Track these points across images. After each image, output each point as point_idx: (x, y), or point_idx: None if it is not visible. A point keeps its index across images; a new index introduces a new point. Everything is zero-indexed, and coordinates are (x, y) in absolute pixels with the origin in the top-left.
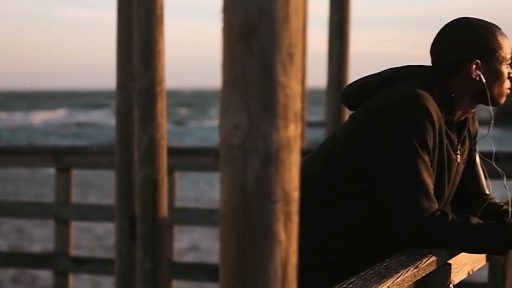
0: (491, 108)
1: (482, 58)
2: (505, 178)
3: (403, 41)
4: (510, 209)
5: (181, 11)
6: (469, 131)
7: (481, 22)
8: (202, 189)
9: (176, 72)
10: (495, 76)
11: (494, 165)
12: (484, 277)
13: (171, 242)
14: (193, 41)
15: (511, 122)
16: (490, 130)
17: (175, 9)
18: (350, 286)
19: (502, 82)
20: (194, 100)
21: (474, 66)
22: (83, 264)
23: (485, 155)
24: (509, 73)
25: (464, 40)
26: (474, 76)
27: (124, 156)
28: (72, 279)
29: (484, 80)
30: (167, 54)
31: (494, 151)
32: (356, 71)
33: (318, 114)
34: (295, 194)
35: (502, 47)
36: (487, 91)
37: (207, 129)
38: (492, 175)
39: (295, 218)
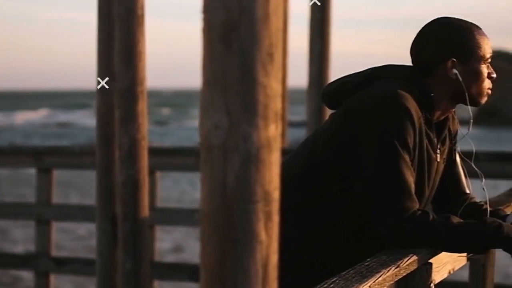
0: (469, 108)
1: (458, 57)
2: (483, 179)
3: (384, 41)
4: (489, 208)
5: (163, 10)
6: (449, 130)
7: (461, 21)
8: (184, 189)
9: (158, 72)
10: (473, 75)
11: (473, 166)
12: (465, 276)
13: (153, 242)
14: (176, 41)
15: (492, 122)
16: (470, 130)
17: (157, 8)
18: (332, 285)
19: (481, 82)
20: (176, 100)
21: (450, 64)
22: (64, 265)
23: (465, 155)
24: (489, 73)
25: (441, 39)
26: (450, 75)
27: (105, 156)
28: (53, 280)
29: (461, 79)
30: (148, 54)
31: (474, 151)
32: (337, 70)
33: (301, 114)
34: (276, 194)
35: (480, 47)
36: (465, 90)
37: (188, 129)
38: (473, 174)
39: (275, 217)
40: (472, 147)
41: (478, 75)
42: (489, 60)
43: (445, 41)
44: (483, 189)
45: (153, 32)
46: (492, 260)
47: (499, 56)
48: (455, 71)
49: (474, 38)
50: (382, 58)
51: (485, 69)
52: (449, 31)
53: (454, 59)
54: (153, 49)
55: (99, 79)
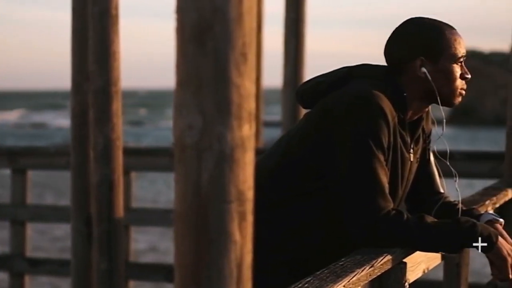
0: (441, 107)
1: (427, 56)
2: (457, 179)
3: (360, 40)
4: (461, 208)
5: (139, 10)
6: (423, 130)
7: (433, 21)
8: (160, 189)
9: (134, 72)
10: (443, 74)
11: (449, 165)
12: (439, 275)
13: (128, 242)
14: (153, 40)
15: (467, 121)
16: (444, 130)
17: (134, 8)
18: (306, 285)
19: (452, 81)
20: (152, 101)
21: (419, 63)
22: (39, 266)
23: (440, 155)
24: (462, 73)
25: (410, 38)
26: (420, 74)
27: (79, 156)
28: (28, 281)
29: (430, 78)
30: (124, 54)
31: (448, 150)
32: (312, 70)
33: (277, 113)
34: (250, 194)
35: (451, 46)
36: (435, 90)
37: (164, 130)
38: (447, 174)
39: (249, 217)
40: (447, 147)
41: (449, 75)
42: (462, 60)
43: (414, 40)
44: (456, 189)
45: (129, 32)
46: (466, 259)
47: (473, 56)
48: (424, 70)
49: (445, 37)
50: (358, 58)
51: (457, 68)
52: (419, 30)
53: (423, 58)
54: (129, 49)
55: None
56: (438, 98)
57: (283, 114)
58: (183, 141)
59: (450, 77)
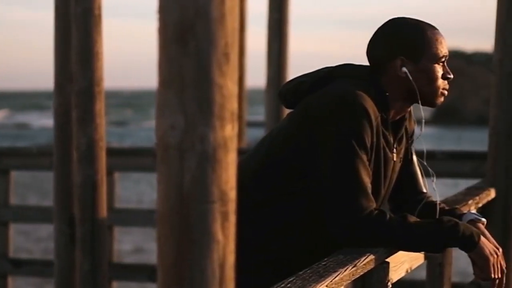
0: (421, 107)
1: (408, 55)
2: (434, 179)
3: (343, 41)
4: (443, 207)
5: (124, 10)
6: (406, 130)
7: (415, 21)
8: (144, 190)
9: (118, 72)
10: (424, 74)
11: (426, 164)
12: (422, 275)
13: (111, 243)
14: (137, 40)
15: (451, 121)
16: (423, 130)
17: (119, 8)
18: (289, 285)
19: (433, 81)
20: (136, 101)
21: (400, 63)
22: (22, 266)
23: (422, 154)
24: (444, 73)
25: (391, 38)
26: (400, 74)
27: (62, 157)
28: (11, 281)
29: (411, 78)
30: (109, 54)
31: (425, 151)
32: (296, 70)
33: (261, 114)
34: (232, 194)
35: (432, 46)
36: (416, 89)
37: (149, 130)
38: (431, 174)
39: (232, 218)
40: (423, 147)
41: (430, 75)
42: (444, 60)
43: (395, 40)
44: (434, 188)
45: (114, 32)
46: (449, 259)
47: (456, 56)
48: (404, 69)
49: (426, 37)
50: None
51: (438, 68)
52: (400, 30)
53: (403, 58)
54: (114, 49)
55: None
56: (419, 98)
57: (267, 114)
58: (166, 141)
59: (431, 77)
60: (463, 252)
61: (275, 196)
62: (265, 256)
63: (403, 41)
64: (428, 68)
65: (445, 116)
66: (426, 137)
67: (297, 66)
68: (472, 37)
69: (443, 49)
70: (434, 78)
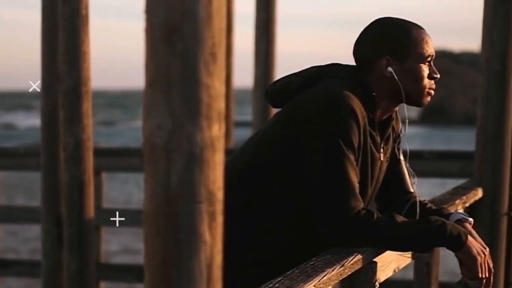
0: (405, 107)
1: (393, 55)
2: (415, 178)
3: (330, 41)
4: (418, 210)
5: (118, 10)
6: (393, 129)
7: (401, 21)
8: (132, 190)
9: (107, 72)
10: (410, 74)
11: (407, 164)
12: (410, 275)
13: (99, 243)
14: (126, 41)
15: (438, 121)
16: (406, 130)
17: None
18: (277, 285)
19: (419, 81)
20: (125, 101)
21: (385, 63)
22: (10, 267)
23: (411, 154)
24: (430, 73)
25: (376, 38)
26: (386, 74)
27: (50, 157)
28: None
29: (396, 78)
30: (98, 54)
31: (408, 151)
32: (283, 70)
33: (248, 114)
34: (220, 194)
35: (418, 45)
36: (402, 89)
37: (137, 130)
38: (419, 173)
39: (219, 218)
40: (407, 147)
41: (415, 74)
42: (430, 59)
43: (380, 39)
44: (412, 188)
45: (105, 31)
46: (436, 259)
47: (444, 56)
48: (390, 69)
49: (412, 37)
50: (328, 58)
51: (424, 68)
52: (386, 29)
53: (388, 57)
54: (103, 49)
55: (31, 82)
56: (404, 97)
57: (254, 114)
58: (153, 141)
59: (417, 77)
60: (451, 252)
61: (262, 196)
62: (252, 256)
63: (389, 41)
64: (414, 68)
65: (433, 116)
66: (414, 137)
67: (285, 66)
68: (459, 37)
69: (429, 49)
70: (419, 78)
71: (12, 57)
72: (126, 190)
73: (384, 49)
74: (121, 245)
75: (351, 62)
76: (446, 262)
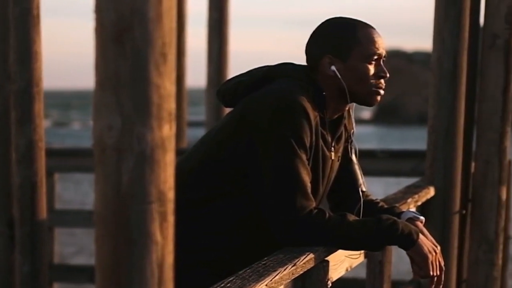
0: (351, 105)
1: (336, 54)
2: (363, 179)
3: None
4: (362, 209)
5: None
6: (346, 128)
7: (348, 20)
8: (86, 190)
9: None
10: (353, 73)
11: (357, 164)
12: (363, 273)
13: (52, 244)
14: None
15: (392, 120)
16: (354, 129)
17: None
18: (228, 285)
19: (363, 80)
20: (80, 101)
21: (327, 61)
22: None
23: (364, 153)
24: (377, 72)
25: (322, 37)
26: (329, 73)
27: (1, 158)
28: None
29: (340, 77)
30: (52, 54)
31: (357, 150)
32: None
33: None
34: (171, 194)
35: (362, 44)
36: (345, 88)
37: (91, 130)
38: (373, 172)
39: (170, 218)
40: (356, 146)
41: (358, 73)
42: (376, 58)
43: (324, 38)
44: (358, 187)
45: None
46: (389, 257)
47: (397, 56)
48: (333, 68)
49: (355, 35)
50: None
51: (370, 67)
52: (330, 28)
53: (331, 56)
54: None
55: None
56: (349, 96)
57: (207, 114)
58: (103, 141)
59: (360, 76)
60: (401, 250)
61: (213, 196)
62: (204, 256)
63: (331, 39)
64: (357, 67)
65: (387, 115)
66: (369, 136)
67: (238, 65)
68: (412, 36)
69: (377, 48)
70: (363, 77)
71: None
72: (81, 191)
73: (327, 47)
74: (77, 246)
75: (304, 62)
76: (403, 260)
